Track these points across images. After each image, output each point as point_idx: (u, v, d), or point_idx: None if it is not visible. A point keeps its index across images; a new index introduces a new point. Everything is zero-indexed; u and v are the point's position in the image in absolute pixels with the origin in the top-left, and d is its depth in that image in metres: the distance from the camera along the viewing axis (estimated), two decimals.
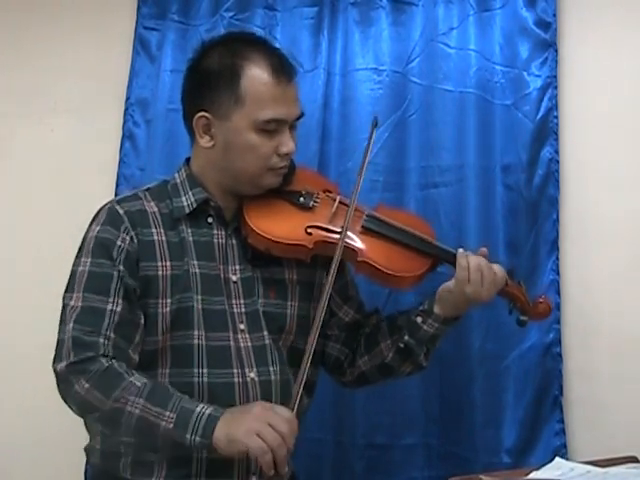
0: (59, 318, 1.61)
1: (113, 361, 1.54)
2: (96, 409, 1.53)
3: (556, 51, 2.14)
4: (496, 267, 1.71)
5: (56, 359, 1.57)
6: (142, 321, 1.61)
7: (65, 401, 1.58)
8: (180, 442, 1.49)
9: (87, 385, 1.52)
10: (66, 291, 1.63)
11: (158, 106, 2.33)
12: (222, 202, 1.72)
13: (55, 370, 1.56)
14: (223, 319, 1.66)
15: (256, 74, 1.64)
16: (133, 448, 1.59)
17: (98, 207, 1.71)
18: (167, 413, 1.49)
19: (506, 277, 1.72)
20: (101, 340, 1.55)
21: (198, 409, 1.50)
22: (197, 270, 1.66)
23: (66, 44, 2.50)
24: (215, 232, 1.71)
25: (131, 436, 1.54)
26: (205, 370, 1.62)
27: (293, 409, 1.53)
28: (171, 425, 1.49)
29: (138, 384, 1.52)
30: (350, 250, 1.71)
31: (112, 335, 1.57)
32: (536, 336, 2.07)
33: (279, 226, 1.69)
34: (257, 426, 1.46)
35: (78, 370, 1.53)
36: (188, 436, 1.48)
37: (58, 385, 1.57)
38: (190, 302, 1.63)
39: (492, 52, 2.16)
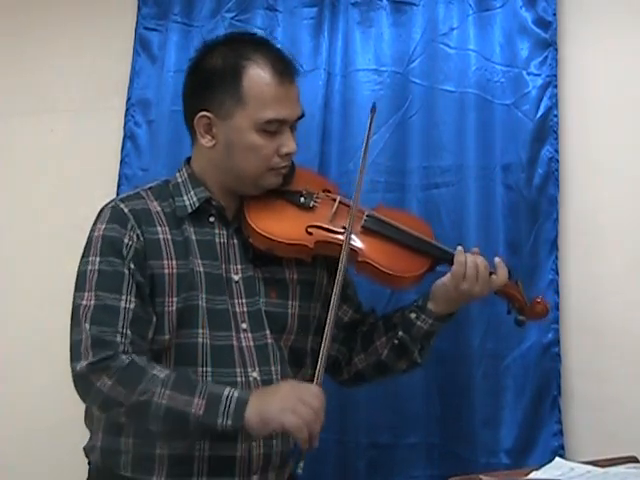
0: (71, 319, 1.60)
1: (134, 356, 1.54)
2: (120, 404, 1.53)
3: (556, 50, 2.13)
4: (499, 263, 1.74)
5: (74, 359, 1.56)
6: (154, 318, 1.61)
7: (84, 400, 1.58)
8: (211, 428, 1.49)
9: (110, 382, 1.52)
10: (76, 291, 1.62)
11: (162, 107, 2.32)
12: (223, 202, 1.72)
13: (74, 369, 1.55)
14: (226, 318, 1.66)
15: (259, 74, 1.65)
16: (134, 445, 1.60)
17: (99, 207, 1.71)
18: (195, 400, 1.50)
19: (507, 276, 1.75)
20: (118, 338, 1.55)
21: (226, 392, 1.51)
22: (201, 269, 1.66)
23: (66, 44, 2.49)
24: (217, 231, 1.71)
25: (160, 427, 1.53)
26: (209, 369, 1.62)
27: (319, 385, 1.53)
28: (201, 411, 1.49)
29: (162, 376, 1.53)
30: (350, 250, 1.71)
31: (128, 332, 1.56)
32: (536, 336, 2.07)
33: (280, 226, 1.70)
34: (290, 403, 1.47)
35: (99, 368, 1.53)
36: (219, 421, 1.49)
37: (76, 385, 1.57)
38: (196, 301, 1.64)
39: (492, 52, 2.16)
